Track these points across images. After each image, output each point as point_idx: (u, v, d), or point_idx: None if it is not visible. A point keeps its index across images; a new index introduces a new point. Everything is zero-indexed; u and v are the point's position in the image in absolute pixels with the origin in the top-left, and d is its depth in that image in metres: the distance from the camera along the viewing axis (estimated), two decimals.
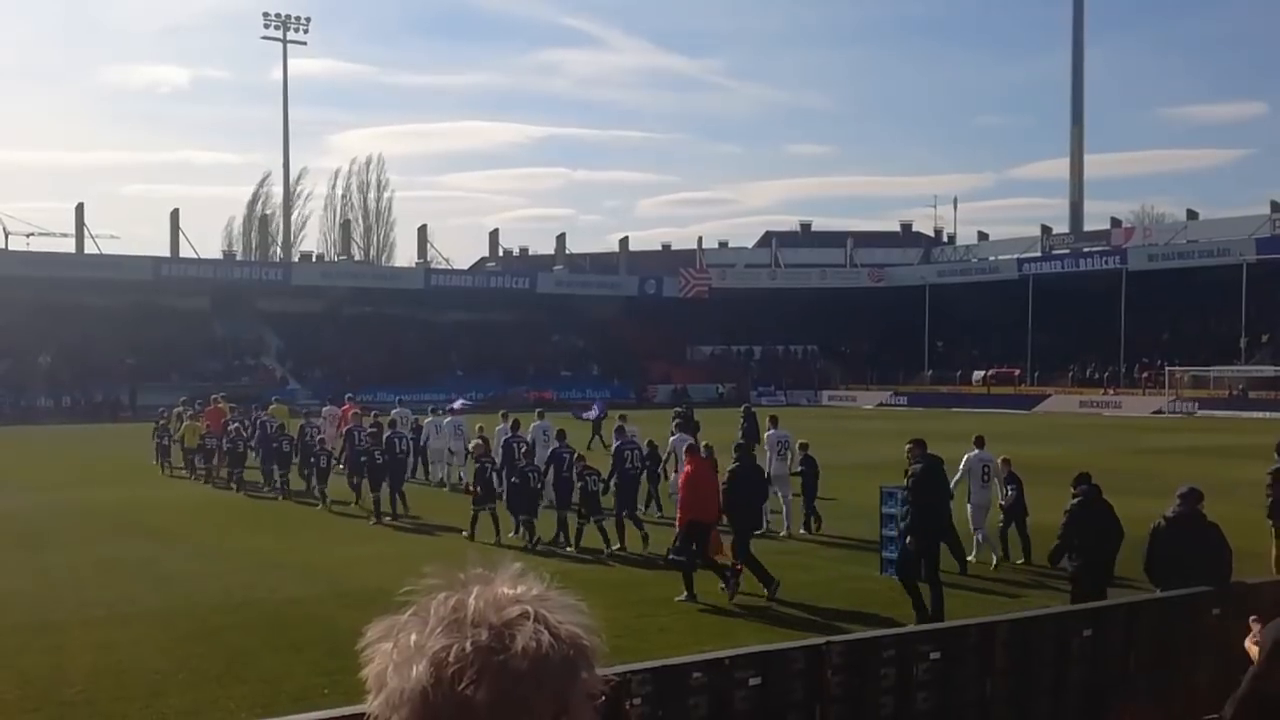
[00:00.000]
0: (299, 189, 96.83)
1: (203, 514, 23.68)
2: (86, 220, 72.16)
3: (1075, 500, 12.25)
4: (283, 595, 15.33)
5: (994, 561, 17.08)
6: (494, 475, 20.21)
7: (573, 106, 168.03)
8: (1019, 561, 17.14)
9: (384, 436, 23.73)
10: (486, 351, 74.38)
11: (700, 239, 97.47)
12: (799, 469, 20.93)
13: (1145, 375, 66.09)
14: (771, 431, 21.36)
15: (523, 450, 21.50)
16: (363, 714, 1.30)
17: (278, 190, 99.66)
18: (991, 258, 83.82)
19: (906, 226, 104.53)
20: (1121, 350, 68.70)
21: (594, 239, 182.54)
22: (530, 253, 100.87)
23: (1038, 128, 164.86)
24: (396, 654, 1.26)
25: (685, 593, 14.66)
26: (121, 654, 12.23)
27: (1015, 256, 79.97)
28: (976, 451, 17.85)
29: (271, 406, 32.12)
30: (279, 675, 11.39)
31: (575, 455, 19.69)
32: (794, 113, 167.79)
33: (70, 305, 66.09)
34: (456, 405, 31.71)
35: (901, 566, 14.37)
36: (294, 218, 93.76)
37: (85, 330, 64.69)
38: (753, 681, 7.24)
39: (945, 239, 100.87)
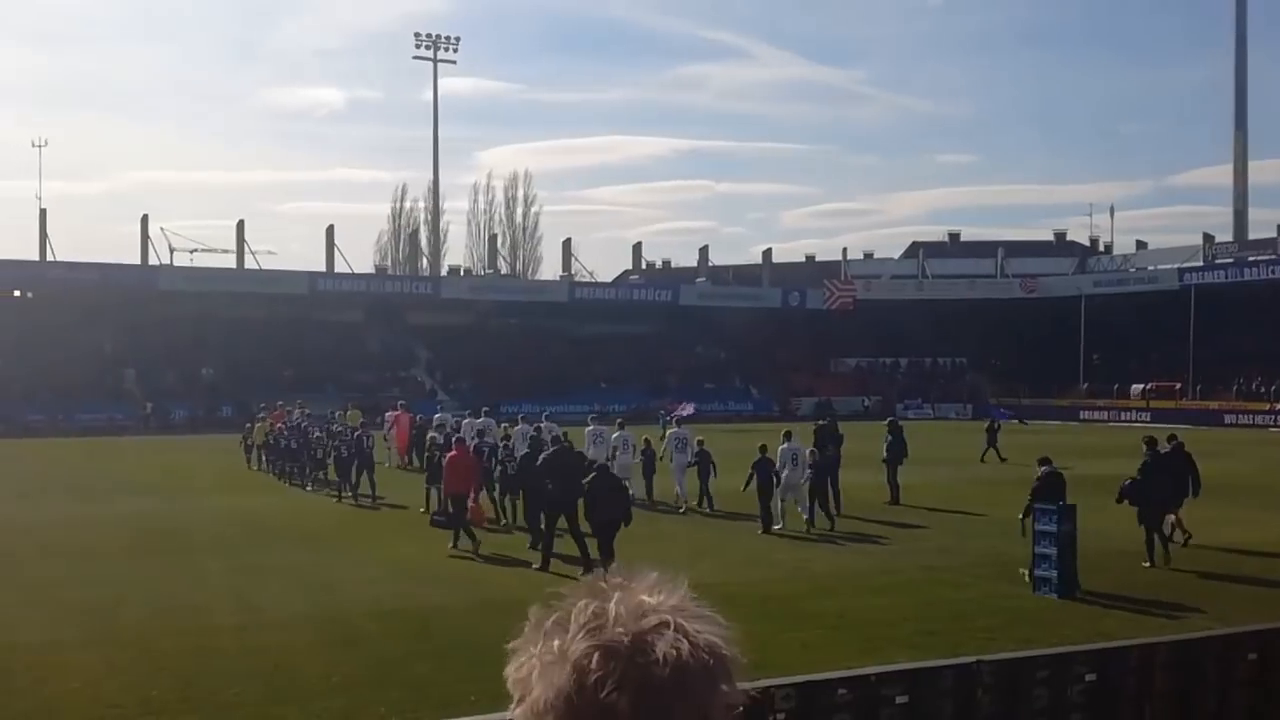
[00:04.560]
0: (445, 204, 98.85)
1: (352, 522, 24.28)
2: (246, 236, 74.87)
3: None
4: (429, 603, 15.60)
5: (804, 524, 22.05)
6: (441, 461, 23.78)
7: (716, 119, 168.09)
8: (829, 527, 21.99)
9: (356, 435, 28.07)
10: (629, 363, 74.80)
11: (845, 250, 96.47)
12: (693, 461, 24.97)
13: None
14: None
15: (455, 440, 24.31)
16: None
17: (409, 205, 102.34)
18: (1150, 267, 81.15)
19: (1060, 236, 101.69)
20: None
21: (737, 251, 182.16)
22: (673, 265, 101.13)
23: (1198, 133, 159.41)
24: (540, 660, 1.27)
25: (453, 542, 19.60)
26: (275, 658, 12.58)
27: (1176, 266, 77.31)
28: (786, 444, 22.90)
29: (349, 412, 35.20)
30: (426, 682, 11.58)
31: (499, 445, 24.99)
32: (940, 121, 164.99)
33: (231, 319, 68.57)
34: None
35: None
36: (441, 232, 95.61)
37: (245, 343, 67.02)
38: (900, 699, 7.10)
39: (1101, 248, 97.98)
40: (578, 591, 1.31)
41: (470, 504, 20.91)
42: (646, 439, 27.50)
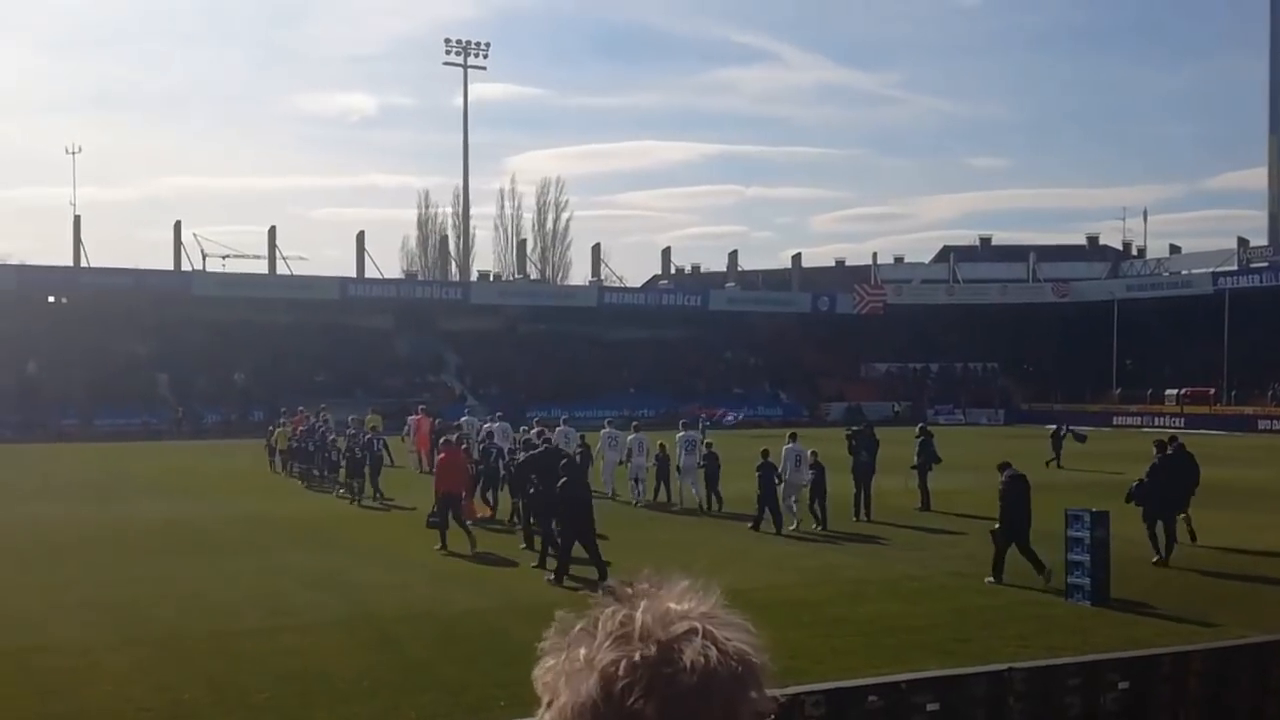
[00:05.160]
0: (472, 209, 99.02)
1: (383, 526, 24.38)
2: (278, 242, 75.31)
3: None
4: (459, 607, 15.64)
5: (795, 524, 22.48)
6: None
7: (746, 123, 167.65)
8: (815, 528, 22.35)
9: (366, 438, 28.88)
10: (659, 369, 74.76)
11: (875, 254, 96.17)
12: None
13: None
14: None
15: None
16: None
17: (435, 212, 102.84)
18: (1184, 271, 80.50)
19: (1093, 240, 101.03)
20: None
21: (766, 256, 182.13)
22: (702, 270, 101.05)
23: (1232, 136, 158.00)
24: (566, 668, 1.26)
25: (440, 544, 19.96)
26: (306, 661, 12.63)
27: (1209, 270, 76.67)
28: (790, 445, 23.49)
29: (368, 417, 35.20)
30: (456, 685, 11.60)
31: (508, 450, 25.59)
32: (972, 124, 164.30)
33: (263, 324, 69.01)
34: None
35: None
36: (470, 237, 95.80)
37: (277, 348, 67.40)
38: (931, 707, 7.06)
39: (1134, 252, 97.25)
40: (605, 598, 1.30)
41: (465, 503, 21.78)
42: (662, 444, 27.67)
